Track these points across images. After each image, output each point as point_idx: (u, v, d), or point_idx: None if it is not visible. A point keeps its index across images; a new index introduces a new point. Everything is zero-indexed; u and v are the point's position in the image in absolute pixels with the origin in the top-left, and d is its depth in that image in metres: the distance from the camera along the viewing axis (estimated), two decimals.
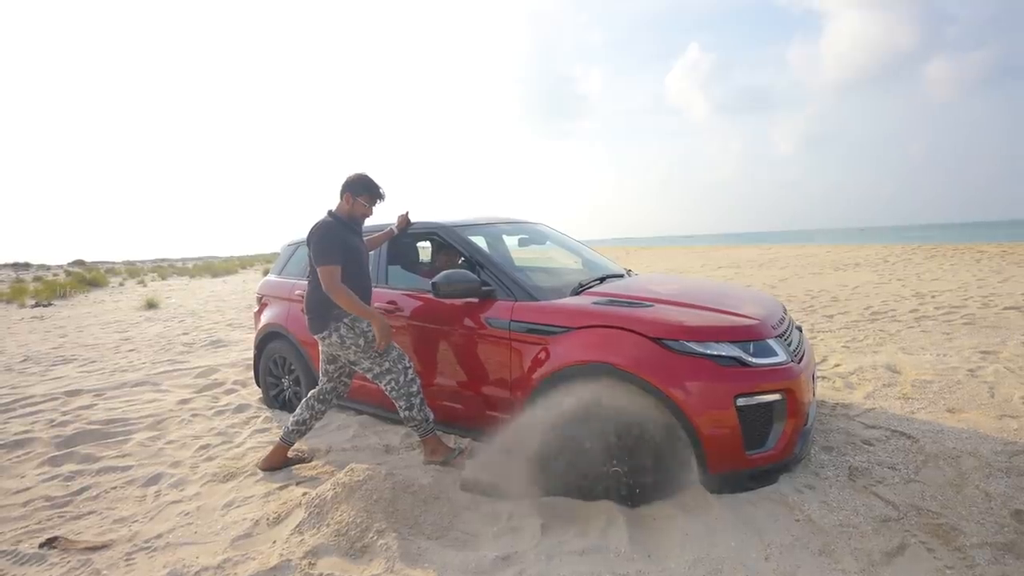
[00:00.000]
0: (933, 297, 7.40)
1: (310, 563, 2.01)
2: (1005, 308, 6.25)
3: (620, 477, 2.31)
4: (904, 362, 4.28)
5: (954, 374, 3.91)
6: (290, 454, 3.01)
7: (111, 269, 39.11)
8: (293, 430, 2.94)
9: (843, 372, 4.15)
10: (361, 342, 2.72)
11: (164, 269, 35.82)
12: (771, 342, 2.39)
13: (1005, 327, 5.36)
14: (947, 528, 2.07)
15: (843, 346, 5.01)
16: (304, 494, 2.49)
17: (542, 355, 2.56)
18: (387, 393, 2.81)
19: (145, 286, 20.49)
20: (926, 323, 5.80)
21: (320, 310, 2.73)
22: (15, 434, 3.61)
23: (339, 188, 2.82)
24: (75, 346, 7.24)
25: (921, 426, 3.02)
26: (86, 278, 21.16)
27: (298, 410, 2.96)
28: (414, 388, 2.79)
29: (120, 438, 3.54)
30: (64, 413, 4.07)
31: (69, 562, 2.16)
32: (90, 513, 2.59)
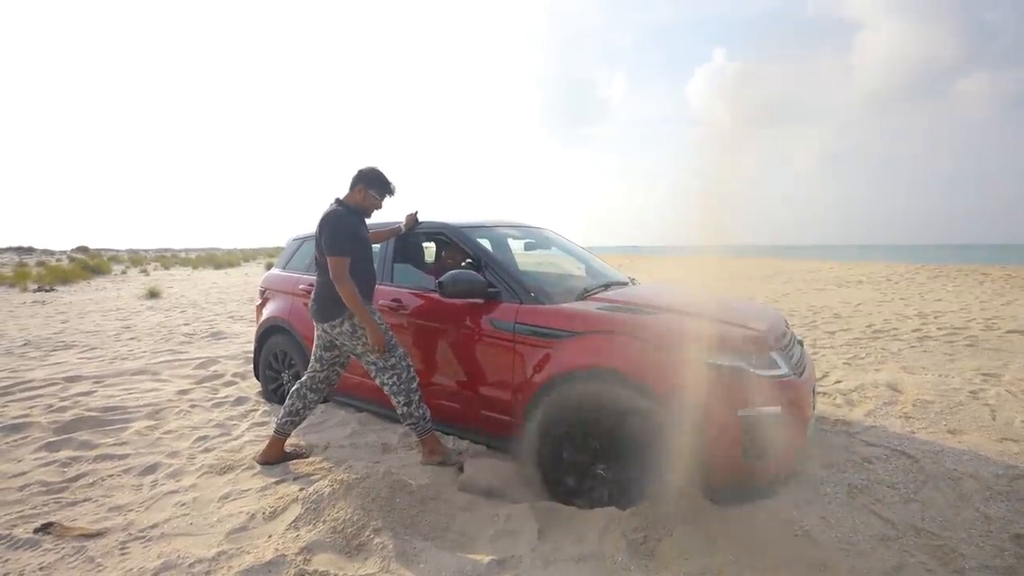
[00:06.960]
0: (936, 317, 7.38)
1: (305, 559, 2.00)
2: (1008, 331, 6.24)
3: (621, 482, 2.31)
4: (905, 381, 4.27)
5: (956, 395, 3.90)
6: (288, 449, 3.00)
7: (114, 257, 39.16)
8: (286, 421, 2.93)
9: (844, 389, 4.13)
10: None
11: (167, 259, 35.88)
12: (774, 354, 2.39)
13: (1008, 350, 5.34)
14: (946, 550, 2.06)
15: (844, 363, 5.00)
16: (301, 490, 2.48)
17: (546, 358, 2.56)
18: (386, 389, 2.80)
19: (148, 275, 20.51)
20: (928, 343, 5.78)
21: (335, 297, 2.71)
22: (13, 418, 3.60)
23: (351, 178, 2.83)
24: (76, 332, 7.24)
25: (921, 446, 3.01)
26: (89, 265, 21.19)
27: (289, 400, 2.94)
28: (414, 385, 2.80)
29: (118, 426, 3.53)
30: (63, 399, 4.07)
31: (63, 548, 2.16)
32: (86, 500, 2.58)
